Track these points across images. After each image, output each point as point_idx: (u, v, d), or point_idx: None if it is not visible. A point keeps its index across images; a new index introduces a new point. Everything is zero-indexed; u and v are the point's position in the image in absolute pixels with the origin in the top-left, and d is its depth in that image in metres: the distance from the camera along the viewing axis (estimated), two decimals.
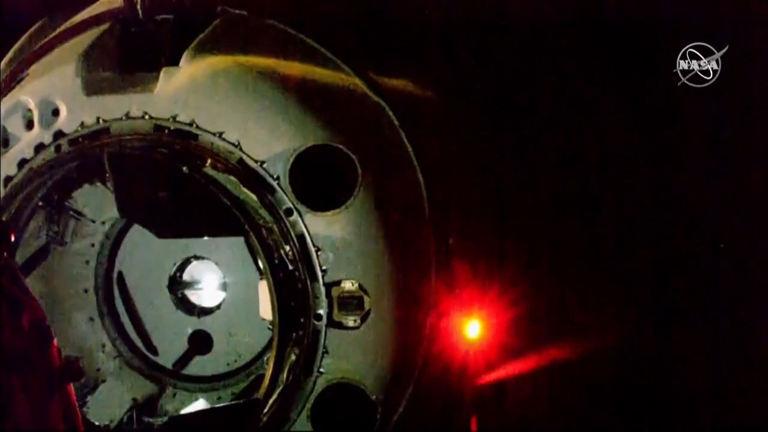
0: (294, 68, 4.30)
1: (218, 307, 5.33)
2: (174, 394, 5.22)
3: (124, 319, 5.28)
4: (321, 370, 4.03)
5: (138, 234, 5.11)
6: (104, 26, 4.56)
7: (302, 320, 3.99)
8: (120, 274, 5.27)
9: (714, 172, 4.79)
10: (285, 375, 4.05)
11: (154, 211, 4.44)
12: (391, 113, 4.25)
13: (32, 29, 5.15)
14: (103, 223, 5.12)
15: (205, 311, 5.35)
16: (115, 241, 5.20)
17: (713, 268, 4.78)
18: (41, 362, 3.15)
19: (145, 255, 5.22)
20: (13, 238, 3.45)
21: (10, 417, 3.02)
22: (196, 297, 5.40)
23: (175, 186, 4.22)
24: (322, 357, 4.01)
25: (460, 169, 4.44)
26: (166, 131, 4.14)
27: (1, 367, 3.03)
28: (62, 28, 4.82)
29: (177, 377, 5.26)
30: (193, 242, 5.21)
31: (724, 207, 4.77)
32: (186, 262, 5.34)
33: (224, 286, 5.30)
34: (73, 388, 3.27)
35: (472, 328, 4.23)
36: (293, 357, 4.05)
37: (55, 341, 3.21)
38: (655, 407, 4.75)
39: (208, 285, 5.37)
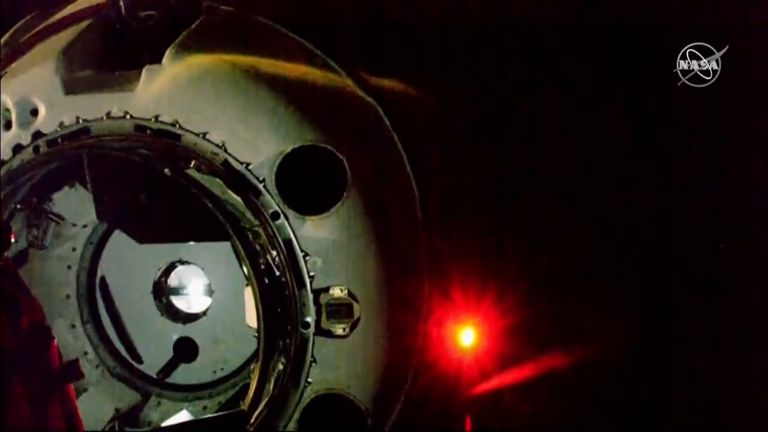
0: (282, 66, 4.21)
1: (204, 313, 5.25)
2: (158, 404, 5.15)
3: (107, 325, 5.20)
4: (309, 380, 3.93)
5: (121, 238, 5.02)
6: (85, 23, 4.48)
7: (289, 328, 3.89)
8: (103, 279, 5.19)
9: (714, 172, 4.72)
10: (271, 386, 3.96)
11: (135, 215, 4.34)
12: (382, 113, 4.15)
13: (17, 25, 5.06)
14: (85, 226, 5.04)
15: (190, 318, 5.29)
16: (97, 246, 5.12)
17: (713, 268, 4.71)
18: (41, 362, 3.20)
19: (129, 260, 5.15)
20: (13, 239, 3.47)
21: (10, 417, 3.04)
22: (181, 303, 5.33)
23: (158, 189, 4.13)
24: (310, 367, 3.91)
25: (454, 170, 4.34)
26: (148, 131, 4.04)
27: (1, 367, 3.04)
28: (43, 24, 4.72)
29: (161, 386, 5.18)
30: (178, 247, 5.14)
31: (724, 207, 4.70)
32: (171, 267, 5.28)
33: (210, 292, 5.24)
34: (73, 389, 3.30)
35: (467, 336, 4.13)
36: (280, 367, 3.96)
37: (55, 341, 3.27)
38: (656, 417, 4.65)
39: (194, 291, 5.32)
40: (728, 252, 4.65)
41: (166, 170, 3.88)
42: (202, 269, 5.20)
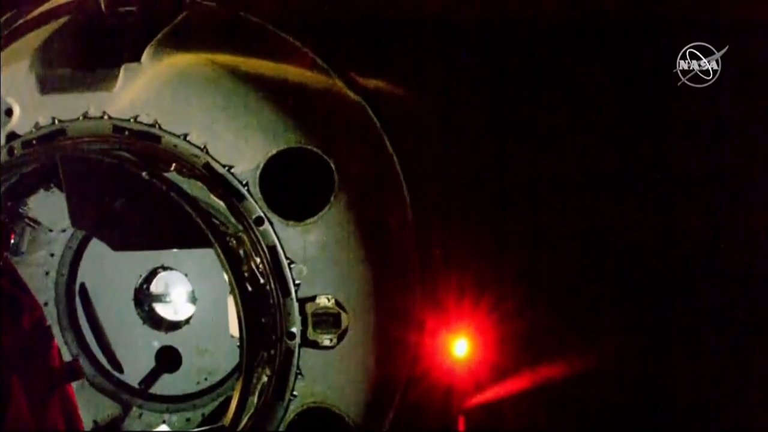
0: (267, 66, 4.09)
1: (187, 321, 5.13)
2: (140, 415, 5.03)
3: (87, 334, 5.08)
4: (294, 393, 3.81)
5: (101, 243, 4.84)
6: (63, 19, 4.34)
7: (273, 339, 3.77)
8: (82, 285, 5.07)
9: (714, 172, 4.68)
10: (255, 399, 3.83)
11: (112, 221, 4.20)
12: (372, 114, 4.05)
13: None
14: (64, 231, 4.92)
15: (173, 326, 5.16)
16: (76, 251, 5.00)
17: (713, 270, 4.65)
18: (41, 362, 3.25)
19: (110, 265, 5.02)
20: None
21: (10, 417, 3.04)
22: (164, 310, 5.20)
23: (137, 193, 4.00)
24: (296, 379, 3.79)
25: (447, 173, 4.25)
26: (127, 133, 3.92)
27: (1, 367, 3.05)
28: (19, 21, 4.58)
29: (143, 397, 5.07)
30: (161, 252, 5.01)
31: (724, 207, 4.65)
32: (153, 273, 5.15)
33: (194, 300, 5.11)
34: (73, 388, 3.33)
35: (460, 347, 4.06)
36: (264, 379, 3.83)
37: (55, 341, 3.36)
38: (656, 428, 4.56)
39: (176, 298, 5.18)
40: (728, 252, 4.59)
41: (144, 174, 3.73)
42: (186, 275, 5.07)
